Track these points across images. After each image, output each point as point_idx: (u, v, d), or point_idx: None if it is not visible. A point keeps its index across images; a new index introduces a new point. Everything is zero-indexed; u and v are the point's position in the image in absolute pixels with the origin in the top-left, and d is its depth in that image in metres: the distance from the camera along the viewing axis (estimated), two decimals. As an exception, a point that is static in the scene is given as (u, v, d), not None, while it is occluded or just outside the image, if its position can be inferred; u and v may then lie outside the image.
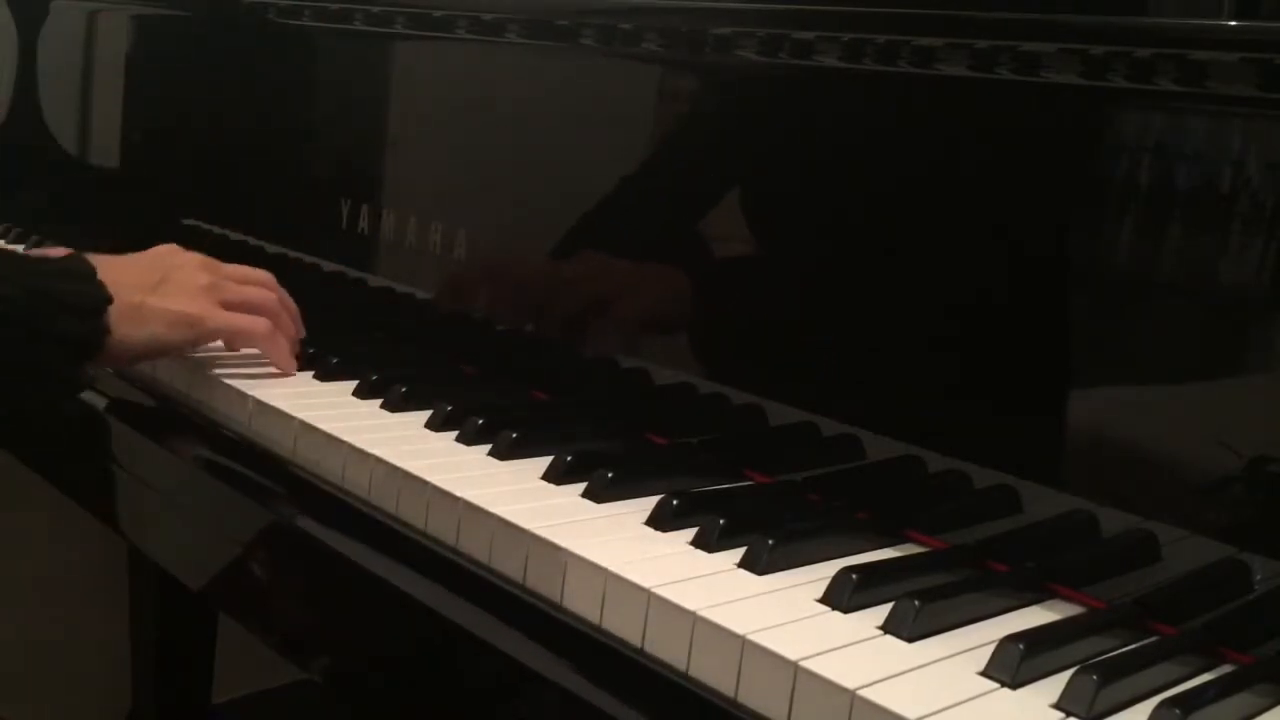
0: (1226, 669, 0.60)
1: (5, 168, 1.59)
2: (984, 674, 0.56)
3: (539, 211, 0.98)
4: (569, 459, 0.76)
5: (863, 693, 0.53)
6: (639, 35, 0.89)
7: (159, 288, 0.90)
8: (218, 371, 0.92)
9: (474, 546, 0.70)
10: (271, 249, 1.19)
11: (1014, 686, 0.55)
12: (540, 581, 0.66)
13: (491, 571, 0.69)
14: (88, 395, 0.98)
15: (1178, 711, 0.53)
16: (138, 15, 1.39)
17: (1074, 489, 0.70)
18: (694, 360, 0.87)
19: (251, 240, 1.22)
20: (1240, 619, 0.63)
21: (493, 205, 1.01)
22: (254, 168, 1.26)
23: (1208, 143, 0.65)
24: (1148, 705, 0.54)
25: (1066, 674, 0.55)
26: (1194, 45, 0.64)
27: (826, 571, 0.64)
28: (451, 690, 0.68)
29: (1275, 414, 0.63)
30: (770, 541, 0.65)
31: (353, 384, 0.92)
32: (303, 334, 0.98)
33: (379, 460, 0.76)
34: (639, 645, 0.61)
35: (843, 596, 0.61)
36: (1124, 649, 0.60)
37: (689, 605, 0.59)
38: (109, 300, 0.86)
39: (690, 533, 0.68)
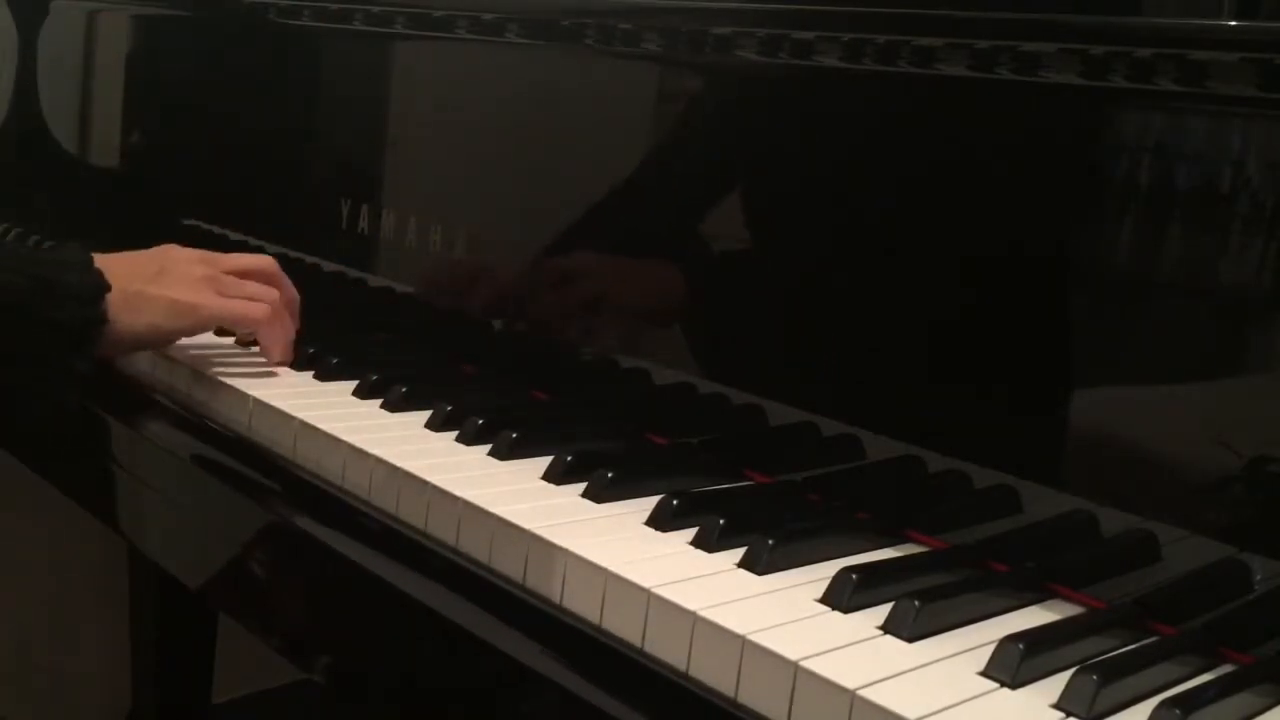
0: (1226, 669, 0.60)
1: (5, 168, 1.59)
2: (984, 674, 0.56)
3: (539, 211, 0.98)
4: (569, 459, 0.76)
5: (863, 693, 0.53)
6: (639, 35, 0.89)
7: (157, 278, 0.91)
8: (218, 371, 0.92)
9: (474, 546, 0.70)
10: (271, 249, 1.19)
11: (1014, 686, 0.55)
12: (540, 581, 0.66)
13: (491, 571, 0.69)
14: (88, 395, 0.98)
15: (1178, 711, 0.53)
16: (138, 15, 1.39)
17: (1074, 489, 0.70)
18: (694, 360, 0.87)
19: (252, 240, 1.22)
20: (1240, 619, 0.63)
21: (493, 205, 1.01)
22: (254, 168, 1.26)
23: (1208, 143, 0.65)
24: (1148, 705, 0.54)
25: (1066, 674, 0.55)
26: (1194, 45, 0.64)
27: (826, 571, 0.64)
28: (451, 690, 0.68)
29: (1275, 414, 0.63)
30: (770, 541, 0.65)
31: (353, 384, 0.92)
32: (297, 327, 0.98)
33: (379, 460, 0.76)
34: (639, 645, 0.61)
35: (843, 596, 0.61)
36: (1124, 649, 0.60)
37: (689, 605, 0.59)
38: (107, 288, 0.86)
39: (690, 533, 0.68)
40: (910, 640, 0.59)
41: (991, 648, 0.57)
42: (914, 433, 0.76)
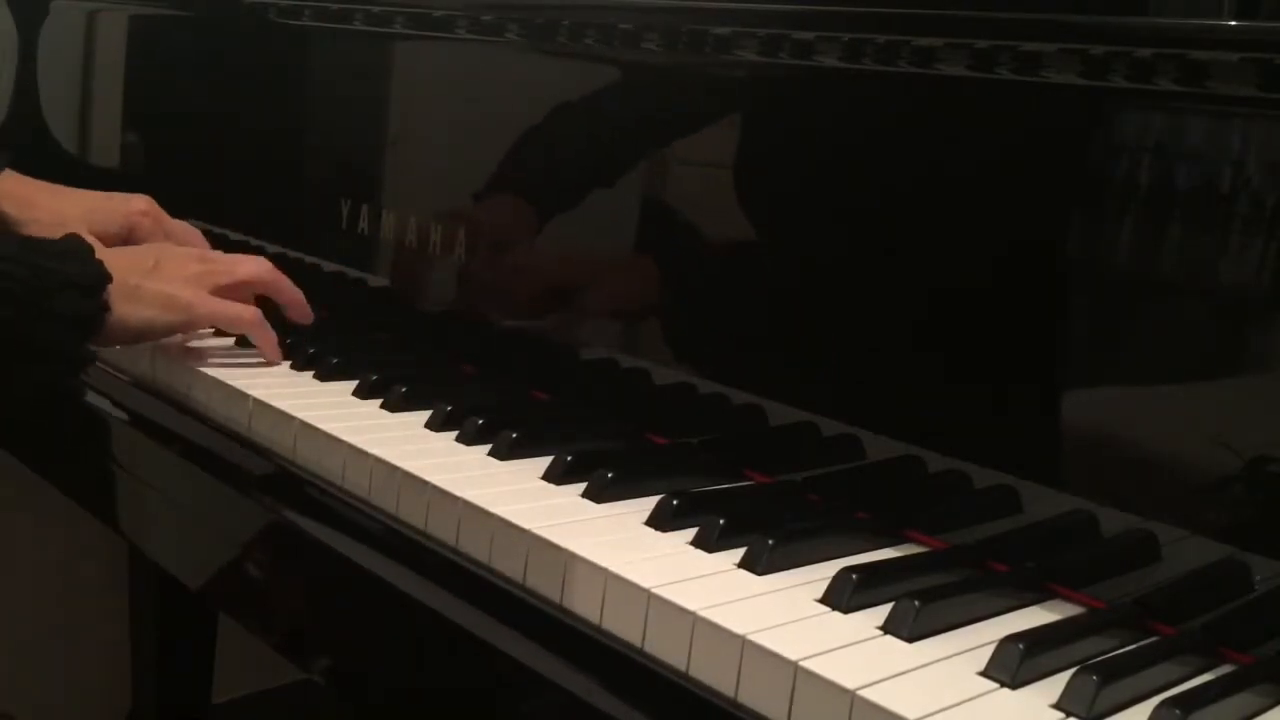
0: (1226, 669, 0.60)
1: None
2: (984, 674, 0.56)
3: (539, 212, 0.98)
4: (569, 459, 0.76)
5: (863, 693, 0.53)
6: (639, 35, 0.89)
7: (153, 272, 0.92)
8: (218, 371, 0.92)
9: (474, 546, 0.70)
10: (271, 249, 1.19)
11: (1014, 686, 0.55)
12: (540, 581, 0.66)
13: (491, 571, 0.69)
14: (87, 395, 0.98)
15: (1178, 711, 0.53)
16: (138, 15, 1.39)
17: (1074, 489, 0.70)
18: (694, 360, 0.87)
19: (252, 240, 1.22)
20: (1240, 619, 0.63)
21: (493, 205, 1.01)
22: (254, 168, 1.26)
23: (1208, 143, 0.65)
24: (1148, 705, 0.54)
25: (1066, 674, 0.55)
26: (1194, 45, 0.64)
27: (826, 571, 0.64)
28: (451, 690, 0.68)
29: (1275, 414, 0.63)
30: (770, 541, 0.65)
31: (353, 384, 0.92)
32: (307, 323, 0.99)
33: (379, 460, 0.76)
34: (639, 645, 0.61)
35: (843, 596, 0.61)
36: (1124, 649, 0.60)
37: (689, 605, 0.59)
38: (109, 278, 0.86)
39: (690, 533, 0.68)
40: (910, 640, 0.59)
41: (991, 648, 0.57)
42: (914, 433, 0.76)
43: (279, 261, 1.06)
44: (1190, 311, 0.67)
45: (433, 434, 0.83)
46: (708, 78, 0.88)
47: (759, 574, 0.64)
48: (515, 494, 0.72)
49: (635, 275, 0.92)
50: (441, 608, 0.67)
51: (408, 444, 0.79)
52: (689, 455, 0.83)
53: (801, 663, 0.55)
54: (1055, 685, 0.55)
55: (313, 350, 0.96)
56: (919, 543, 0.71)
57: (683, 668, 0.59)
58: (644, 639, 0.61)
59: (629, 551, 0.66)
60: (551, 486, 0.75)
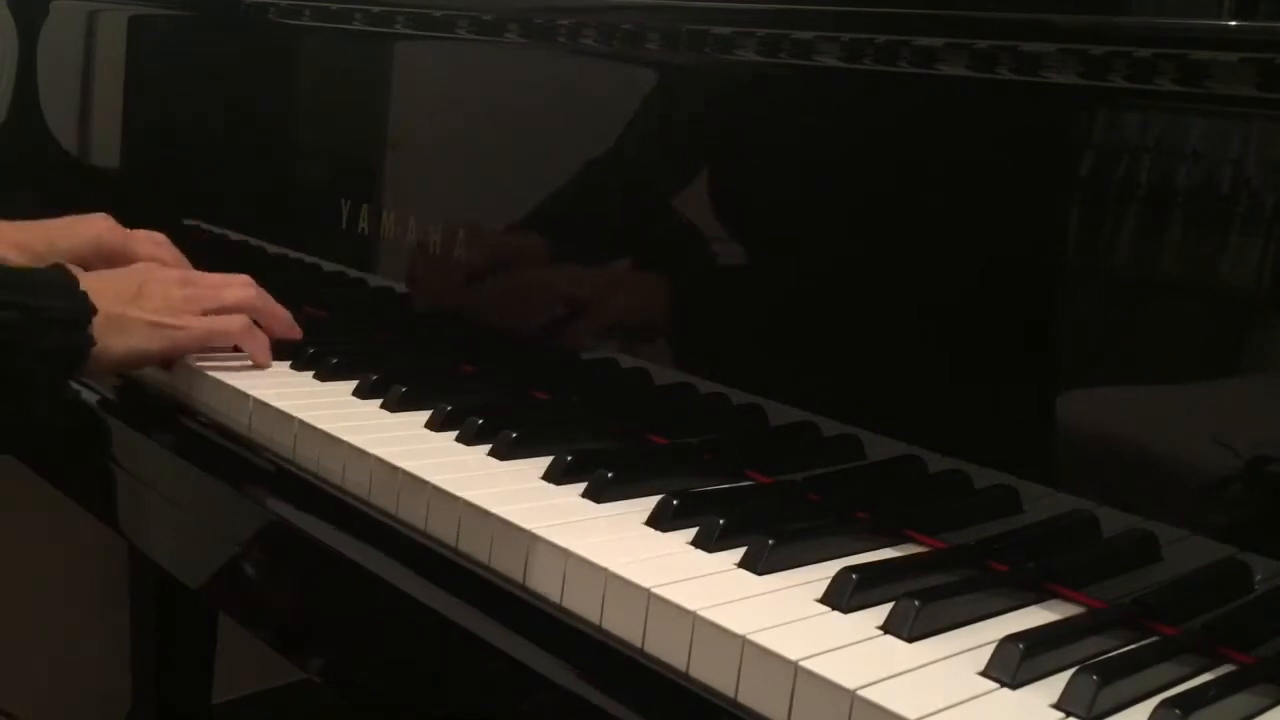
0: (1226, 669, 0.60)
1: (5, 168, 1.59)
2: (984, 674, 0.56)
3: (539, 212, 0.98)
4: (569, 459, 0.76)
5: (863, 693, 0.53)
6: (639, 35, 0.89)
7: (137, 299, 0.91)
8: (218, 372, 0.92)
9: (474, 546, 0.70)
10: (271, 249, 1.19)
11: (1014, 686, 0.55)
12: (540, 581, 0.66)
13: (491, 571, 0.69)
14: (88, 395, 0.98)
15: (1178, 711, 0.53)
16: (138, 15, 1.39)
17: (1074, 489, 0.70)
18: (694, 360, 0.87)
19: (252, 240, 1.22)
20: (1240, 619, 0.63)
21: (493, 205, 1.01)
22: (254, 168, 1.26)
23: (1208, 143, 0.65)
24: (1148, 705, 0.54)
25: (1066, 674, 0.55)
26: (1194, 45, 0.64)
27: (826, 571, 0.64)
28: (451, 690, 0.68)
29: (1275, 414, 0.63)
30: (770, 541, 0.65)
31: (353, 384, 0.92)
32: (298, 337, 0.99)
33: (379, 460, 0.76)
34: (639, 645, 0.61)
35: (843, 596, 0.61)
36: (1124, 649, 0.60)
37: (689, 605, 0.59)
38: (94, 312, 0.86)
39: (690, 533, 0.68)
40: (910, 640, 0.59)
41: (991, 648, 0.57)
42: (914, 433, 0.76)
43: (279, 262, 1.07)
44: (1190, 311, 0.67)
45: (433, 434, 0.83)
46: (706, 77, 0.88)
47: (759, 574, 0.64)
48: (515, 494, 0.72)
49: (635, 275, 0.92)
50: (441, 607, 0.67)
51: (408, 444, 0.79)
52: (689, 455, 0.83)
53: (801, 662, 0.55)
54: (1055, 685, 0.55)
55: (313, 350, 0.96)
56: (919, 543, 0.71)
57: (683, 668, 0.59)
58: (644, 639, 0.61)
59: (629, 551, 0.66)
60: (551, 486, 0.75)
